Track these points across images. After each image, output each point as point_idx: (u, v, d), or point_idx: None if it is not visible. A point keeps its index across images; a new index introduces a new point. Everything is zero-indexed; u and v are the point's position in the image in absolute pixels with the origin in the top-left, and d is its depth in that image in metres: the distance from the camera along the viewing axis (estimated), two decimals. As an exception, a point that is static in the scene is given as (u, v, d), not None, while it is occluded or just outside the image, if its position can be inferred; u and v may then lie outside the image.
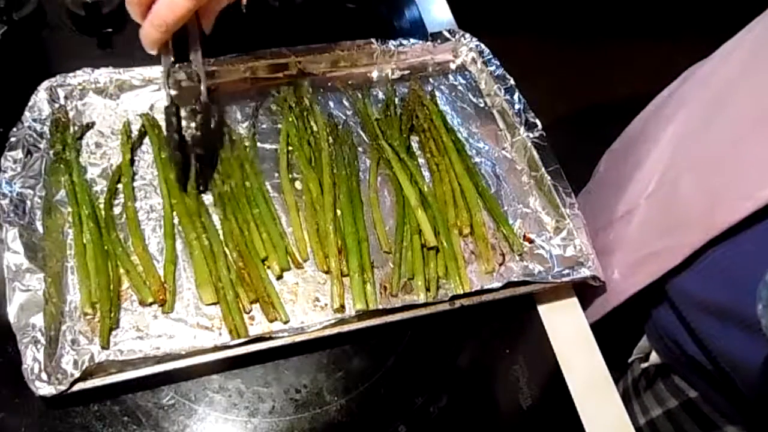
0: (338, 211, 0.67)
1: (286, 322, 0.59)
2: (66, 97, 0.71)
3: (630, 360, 0.75)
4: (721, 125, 0.61)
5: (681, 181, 0.63)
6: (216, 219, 0.65)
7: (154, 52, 0.62)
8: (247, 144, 0.71)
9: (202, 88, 0.64)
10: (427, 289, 0.63)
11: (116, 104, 0.73)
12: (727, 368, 0.57)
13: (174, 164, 0.65)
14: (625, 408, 0.62)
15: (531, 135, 0.75)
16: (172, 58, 0.63)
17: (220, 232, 0.64)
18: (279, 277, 0.62)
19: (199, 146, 0.64)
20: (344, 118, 0.77)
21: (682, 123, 0.68)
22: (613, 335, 0.71)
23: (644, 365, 0.71)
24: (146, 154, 0.70)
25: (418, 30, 0.89)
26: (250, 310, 0.60)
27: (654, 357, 0.69)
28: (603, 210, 0.75)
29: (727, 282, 0.57)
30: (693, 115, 0.67)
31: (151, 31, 0.58)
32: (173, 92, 0.63)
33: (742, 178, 0.56)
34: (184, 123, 0.63)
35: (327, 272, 0.63)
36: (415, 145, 0.76)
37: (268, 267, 0.62)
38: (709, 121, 0.63)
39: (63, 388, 0.51)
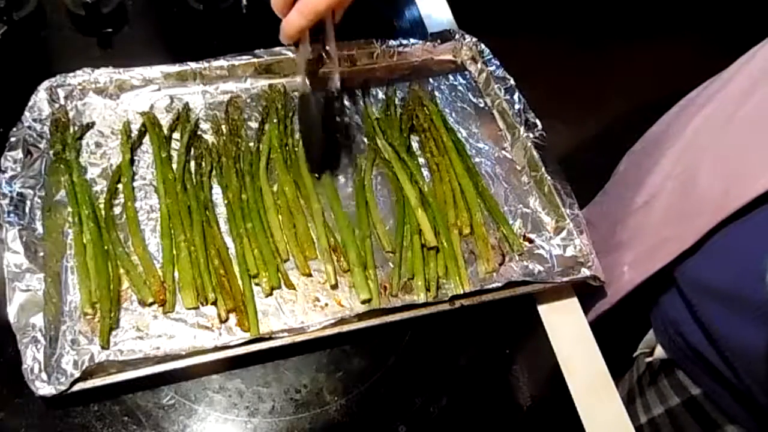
0: (331, 214, 0.67)
1: (256, 337, 0.57)
2: (66, 97, 0.71)
3: (635, 355, 0.75)
4: (740, 118, 0.62)
5: (699, 168, 0.64)
6: (221, 221, 0.65)
7: (291, 42, 0.63)
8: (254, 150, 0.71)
9: (337, 75, 0.67)
10: (427, 289, 0.63)
11: (116, 104, 0.73)
12: (731, 356, 0.57)
13: (311, 149, 0.69)
14: (629, 406, 0.62)
15: (531, 135, 0.75)
16: (310, 48, 0.65)
17: (222, 233, 0.64)
18: (268, 294, 0.61)
19: (339, 131, 0.68)
20: (344, 118, 0.77)
21: (705, 117, 0.69)
22: (619, 333, 0.71)
23: (649, 359, 0.71)
24: (146, 153, 0.70)
25: (418, 30, 0.89)
26: (227, 319, 0.59)
27: (659, 351, 0.69)
28: (621, 205, 0.76)
29: (733, 265, 0.57)
30: (716, 110, 0.68)
31: (297, 20, 0.59)
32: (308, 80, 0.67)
33: (756, 161, 0.56)
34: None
35: (308, 275, 0.63)
36: (415, 145, 0.76)
37: (257, 284, 0.62)
38: (732, 113, 0.64)
39: (63, 388, 0.51)
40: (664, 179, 0.70)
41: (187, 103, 0.73)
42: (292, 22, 0.60)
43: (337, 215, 0.67)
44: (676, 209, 0.66)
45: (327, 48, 0.67)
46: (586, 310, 0.68)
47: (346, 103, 0.78)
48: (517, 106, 0.78)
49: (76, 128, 0.69)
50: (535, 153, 0.73)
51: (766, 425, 0.59)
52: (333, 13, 0.64)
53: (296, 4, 0.59)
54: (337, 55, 0.67)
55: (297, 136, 0.73)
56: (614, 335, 0.67)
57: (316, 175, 0.70)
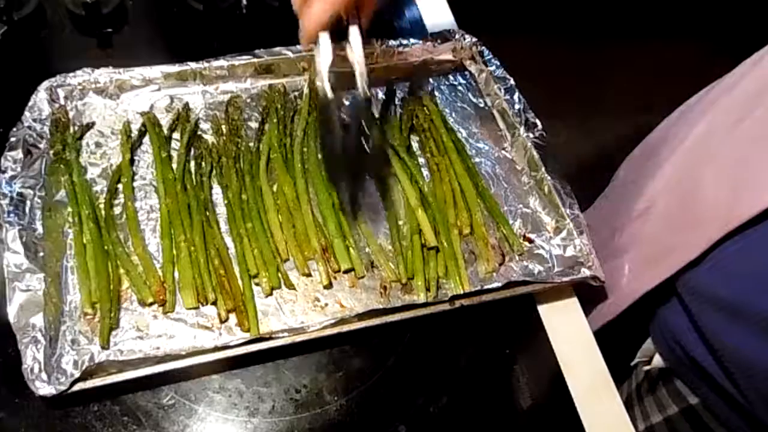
0: (319, 216, 0.67)
1: (256, 337, 0.57)
2: (66, 97, 0.71)
3: (633, 363, 0.75)
4: (747, 125, 0.61)
5: (702, 176, 0.63)
6: (221, 221, 0.65)
7: (311, 41, 0.59)
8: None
9: (365, 82, 0.62)
10: (427, 289, 0.63)
11: (116, 104, 0.73)
12: (731, 367, 0.57)
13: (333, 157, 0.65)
14: (628, 413, 0.62)
15: (531, 135, 0.75)
16: (331, 51, 0.61)
17: (222, 232, 0.64)
18: (268, 294, 0.61)
19: (367, 140, 0.62)
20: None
21: (707, 124, 0.68)
22: (617, 342, 0.71)
23: (647, 368, 0.71)
24: (146, 153, 0.70)
25: (418, 30, 0.89)
26: (227, 319, 0.59)
27: (657, 360, 0.69)
28: (620, 211, 0.75)
29: (739, 277, 0.57)
30: (718, 117, 0.67)
31: (320, 10, 0.56)
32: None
33: (764, 172, 0.56)
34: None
35: (308, 275, 0.63)
36: (415, 145, 0.76)
37: (257, 284, 0.62)
38: (735, 121, 0.63)
39: (63, 388, 0.51)
40: (664, 186, 0.69)
41: (187, 103, 0.74)
42: (315, 14, 0.56)
43: (320, 196, 0.67)
44: (678, 218, 0.65)
45: (353, 54, 0.62)
46: (588, 320, 0.67)
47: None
48: (517, 106, 0.78)
49: (76, 128, 0.69)
50: (535, 153, 0.73)
51: None
52: (359, 18, 0.62)
53: None
54: (365, 64, 0.62)
55: (297, 135, 0.73)
56: (612, 343, 0.67)
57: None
